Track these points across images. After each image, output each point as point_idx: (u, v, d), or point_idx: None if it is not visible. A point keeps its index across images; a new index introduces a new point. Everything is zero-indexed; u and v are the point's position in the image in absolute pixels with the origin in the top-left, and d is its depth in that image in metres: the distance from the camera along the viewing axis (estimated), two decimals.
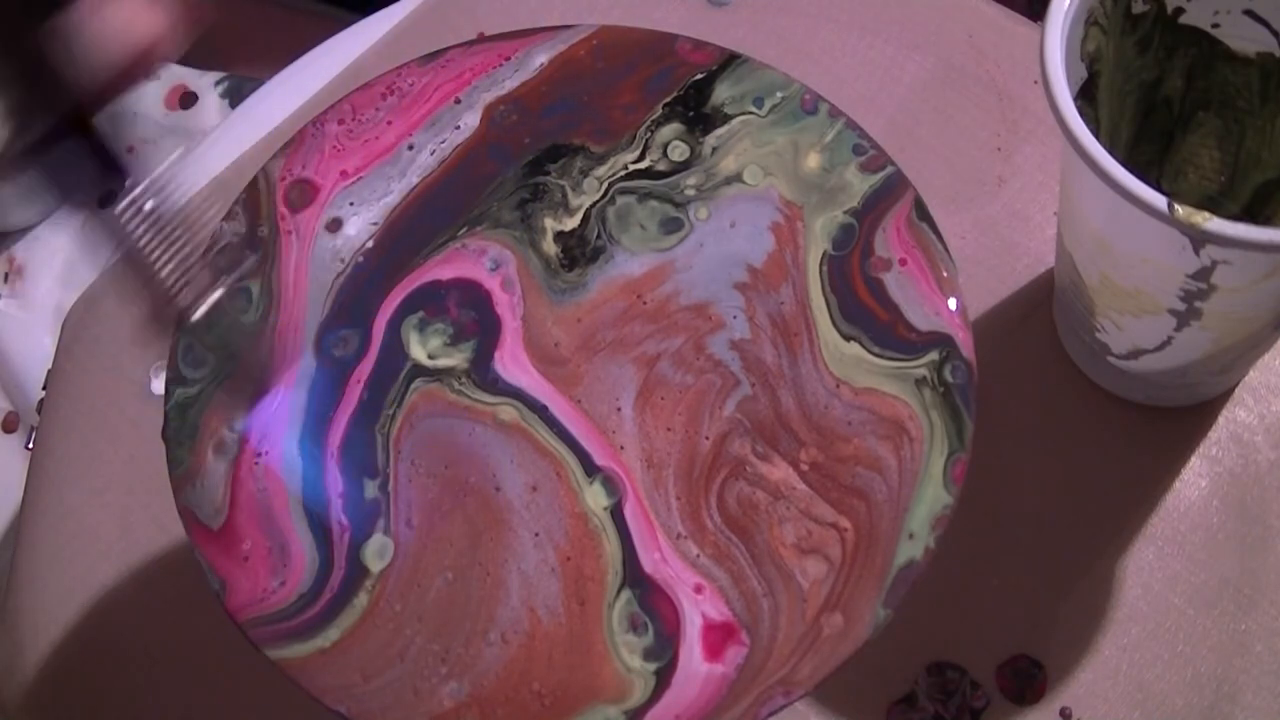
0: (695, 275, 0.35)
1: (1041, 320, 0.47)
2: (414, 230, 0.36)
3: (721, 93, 0.37)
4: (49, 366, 0.53)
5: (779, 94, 0.37)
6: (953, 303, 0.34)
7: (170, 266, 0.28)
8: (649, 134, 0.37)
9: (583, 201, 0.36)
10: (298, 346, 0.35)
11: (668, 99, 0.37)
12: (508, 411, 0.34)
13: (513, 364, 0.35)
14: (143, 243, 0.28)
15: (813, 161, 0.36)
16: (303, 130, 0.38)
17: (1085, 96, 0.38)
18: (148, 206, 0.28)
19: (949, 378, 0.34)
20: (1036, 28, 0.52)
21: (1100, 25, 0.37)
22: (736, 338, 0.35)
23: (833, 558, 0.32)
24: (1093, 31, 0.37)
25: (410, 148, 0.37)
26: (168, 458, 0.34)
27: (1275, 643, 0.42)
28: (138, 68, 0.27)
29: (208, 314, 0.29)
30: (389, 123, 0.37)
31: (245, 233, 0.36)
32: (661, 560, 0.33)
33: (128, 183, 0.28)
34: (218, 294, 0.29)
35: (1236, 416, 0.45)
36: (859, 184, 0.36)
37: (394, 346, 0.35)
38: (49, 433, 0.51)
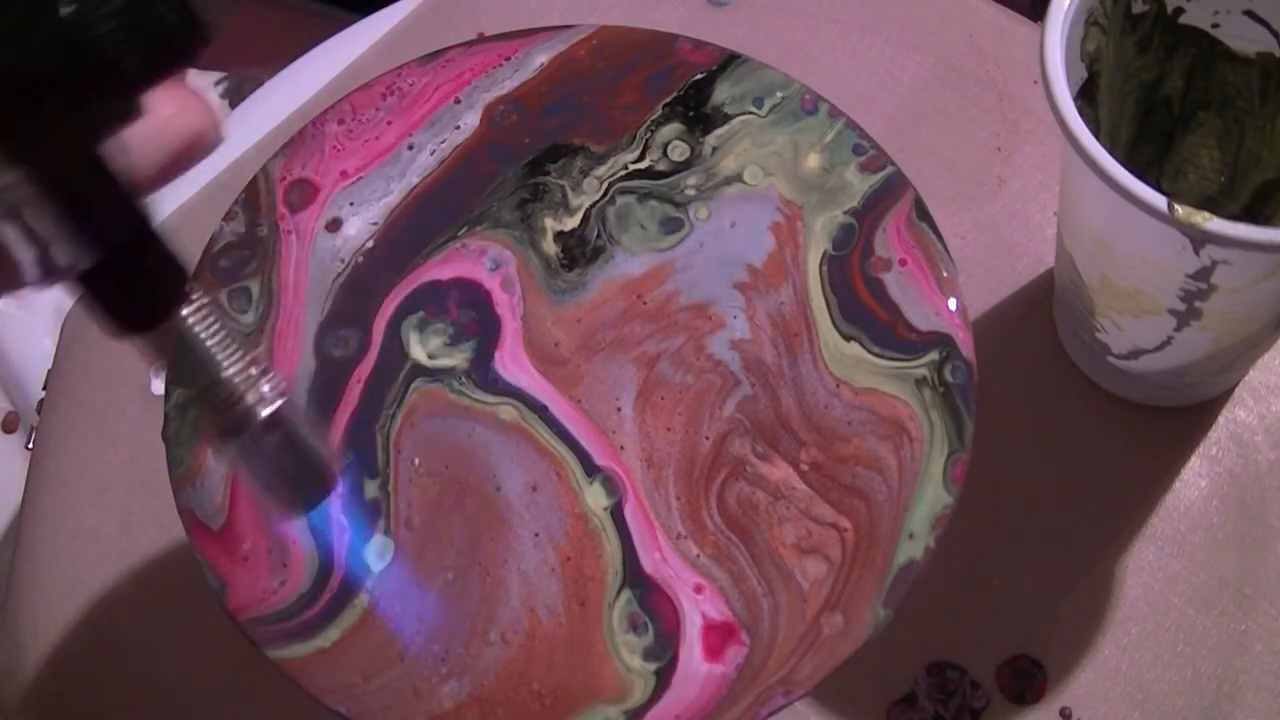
0: (695, 275, 0.35)
1: (1041, 320, 0.47)
2: (414, 230, 0.36)
3: (721, 93, 0.37)
4: (49, 366, 0.53)
5: (779, 94, 0.37)
6: (953, 303, 0.34)
7: (233, 370, 0.28)
8: (649, 134, 0.37)
9: (583, 201, 0.36)
10: (297, 347, 0.35)
11: (668, 99, 0.37)
12: (508, 411, 0.34)
13: (513, 364, 0.35)
14: (210, 344, 0.27)
15: (813, 161, 0.36)
16: (303, 130, 0.38)
17: (1085, 96, 0.38)
18: (210, 314, 0.27)
19: (949, 378, 0.34)
20: (1036, 28, 0.52)
21: (1100, 25, 0.37)
22: (736, 338, 0.35)
23: (833, 558, 0.32)
24: (1093, 31, 0.37)
25: (410, 148, 0.37)
26: (168, 458, 0.34)
27: (1275, 643, 0.42)
28: (184, 161, 0.26)
29: (272, 416, 0.29)
30: (389, 123, 0.37)
31: (245, 233, 0.36)
32: (661, 560, 0.33)
33: (187, 289, 0.27)
34: (280, 401, 0.28)
35: (1236, 416, 0.45)
36: (859, 184, 0.36)
37: (394, 346, 0.35)
38: (49, 433, 0.51)
